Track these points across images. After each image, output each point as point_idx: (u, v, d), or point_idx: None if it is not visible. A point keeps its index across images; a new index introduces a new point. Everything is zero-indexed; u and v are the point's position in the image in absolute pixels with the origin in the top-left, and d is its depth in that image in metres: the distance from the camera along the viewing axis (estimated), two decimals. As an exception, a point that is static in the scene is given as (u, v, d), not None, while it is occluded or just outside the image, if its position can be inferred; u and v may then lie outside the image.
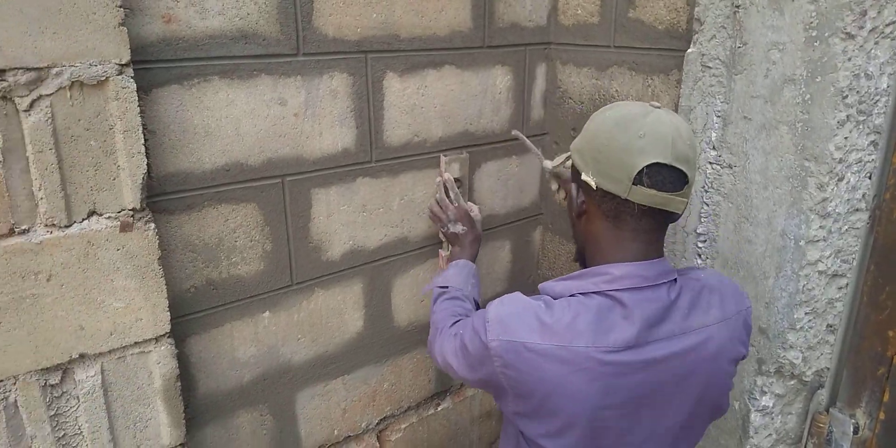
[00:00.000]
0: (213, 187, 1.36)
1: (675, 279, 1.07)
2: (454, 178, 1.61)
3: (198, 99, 1.30)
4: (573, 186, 1.13)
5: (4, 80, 1.03)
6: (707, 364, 1.06)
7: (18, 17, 1.02)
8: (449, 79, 1.69)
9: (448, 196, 1.65)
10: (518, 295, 1.10)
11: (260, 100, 1.38)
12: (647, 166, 0.98)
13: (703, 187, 1.52)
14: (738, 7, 1.39)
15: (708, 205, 1.52)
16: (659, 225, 1.07)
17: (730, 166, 1.46)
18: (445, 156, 1.57)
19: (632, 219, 1.04)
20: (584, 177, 1.07)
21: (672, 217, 1.06)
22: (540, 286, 1.13)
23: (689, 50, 1.49)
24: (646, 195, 1.00)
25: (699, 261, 1.57)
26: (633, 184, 0.99)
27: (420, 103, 1.65)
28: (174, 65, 1.26)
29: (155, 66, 1.24)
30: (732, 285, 1.15)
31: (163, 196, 1.30)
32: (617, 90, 1.74)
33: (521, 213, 2.01)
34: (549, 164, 1.34)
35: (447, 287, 1.44)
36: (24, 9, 1.02)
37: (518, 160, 1.93)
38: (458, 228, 1.55)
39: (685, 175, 1.01)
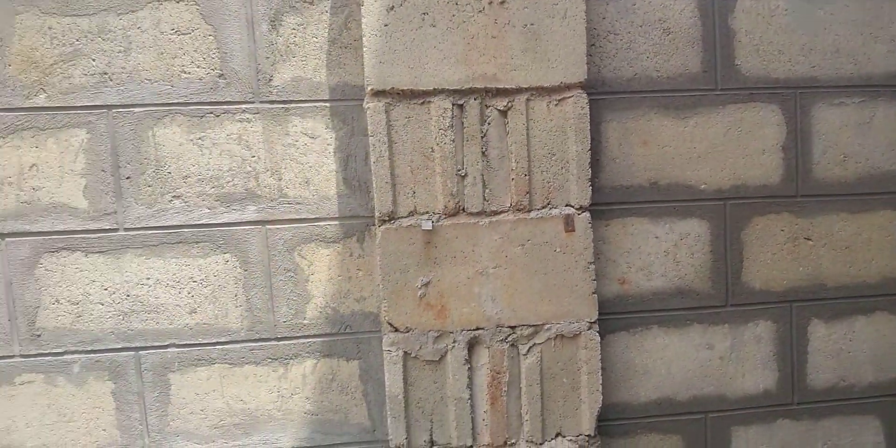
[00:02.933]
0: (645, 418, 1.59)
1: None
2: None
3: (639, 343, 1.60)
4: None
5: (514, 333, 1.47)
6: None
7: (529, 292, 1.47)
8: (881, 324, 1.67)
9: None
10: None
11: (690, 344, 1.61)
12: None
13: None
14: None
15: None
16: None
17: None
18: None
19: None
20: None
21: None
22: None
23: None
24: None
25: None
26: None
27: (847, 348, 1.66)
28: (623, 317, 1.59)
29: (609, 318, 1.59)
30: None
31: (605, 422, 1.58)
32: None
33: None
34: None
35: None
36: (533, 285, 1.47)
37: (974, 414, 1.71)
38: None
39: None
